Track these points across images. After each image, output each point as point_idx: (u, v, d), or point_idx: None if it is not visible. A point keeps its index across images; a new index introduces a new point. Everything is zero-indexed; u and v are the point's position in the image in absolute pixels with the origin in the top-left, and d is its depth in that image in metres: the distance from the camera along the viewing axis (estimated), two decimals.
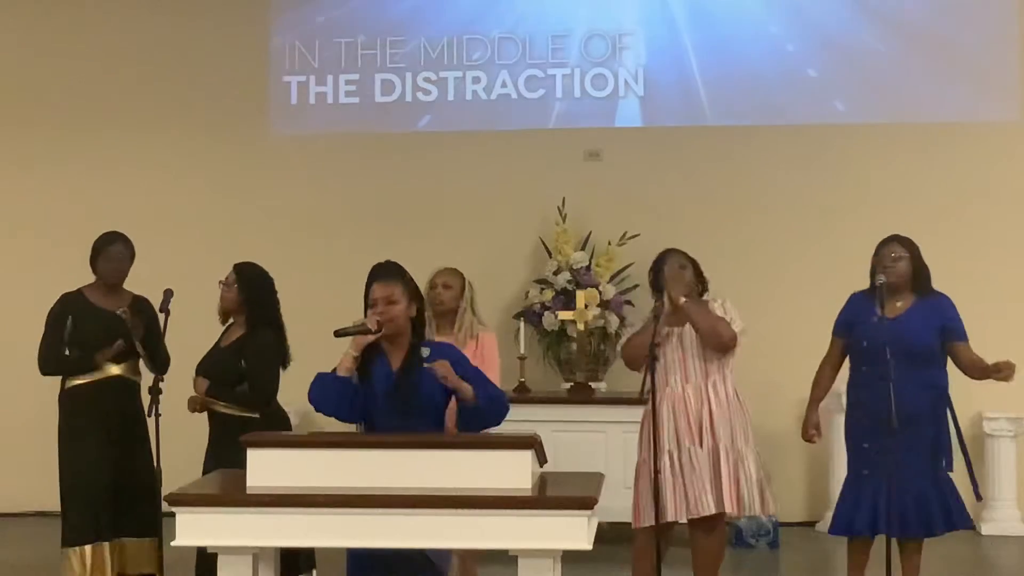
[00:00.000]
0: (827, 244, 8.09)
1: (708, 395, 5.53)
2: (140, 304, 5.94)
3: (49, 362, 5.85)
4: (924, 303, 5.65)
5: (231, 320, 5.64)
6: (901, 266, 5.65)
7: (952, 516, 5.63)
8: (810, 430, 5.84)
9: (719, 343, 5.52)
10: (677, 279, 5.53)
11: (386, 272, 4.53)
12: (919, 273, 5.69)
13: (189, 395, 5.53)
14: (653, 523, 5.36)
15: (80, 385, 5.80)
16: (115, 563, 5.79)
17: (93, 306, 5.85)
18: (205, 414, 5.54)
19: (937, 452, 5.62)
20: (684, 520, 5.49)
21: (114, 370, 5.82)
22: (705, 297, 5.66)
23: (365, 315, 4.51)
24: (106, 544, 5.76)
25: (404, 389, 4.45)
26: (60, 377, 5.87)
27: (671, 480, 5.43)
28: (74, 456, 5.77)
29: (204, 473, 5.24)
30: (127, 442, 5.83)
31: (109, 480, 5.76)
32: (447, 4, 8.72)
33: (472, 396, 4.41)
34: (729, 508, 5.45)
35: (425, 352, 4.51)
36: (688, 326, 5.53)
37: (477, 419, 4.47)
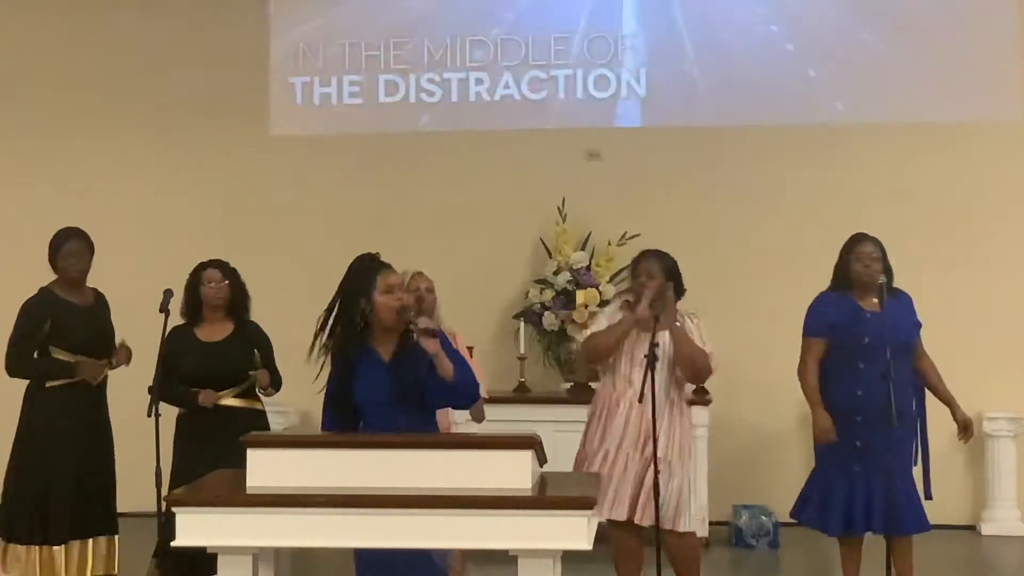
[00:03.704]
0: (827, 244, 8.04)
1: (664, 407, 5.50)
2: (99, 299, 5.97)
3: (15, 366, 5.79)
4: (896, 300, 5.66)
5: (200, 318, 5.70)
6: (877, 267, 5.67)
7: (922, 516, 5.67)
8: (831, 431, 5.68)
9: (694, 372, 5.57)
10: (670, 304, 5.53)
11: (384, 262, 4.56)
12: (890, 273, 5.71)
13: (202, 392, 5.57)
14: (617, 518, 5.41)
15: (61, 385, 5.76)
16: (82, 563, 5.78)
17: (70, 303, 5.83)
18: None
19: (913, 448, 5.67)
20: (622, 519, 5.47)
21: None
22: (678, 304, 5.64)
23: (357, 303, 4.47)
24: (68, 545, 5.73)
25: (401, 377, 4.45)
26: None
27: (618, 479, 5.45)
28: (47, 454, 5.71)
29: (201, 472, 5.26)
30: (91, 441, 5.81)
31: (74, 480, 5.73)
32: (449, 5, 8.72)
33: (450, 372, 4.43)
34: (639, 519, 5.45)
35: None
36: (666, 335, 5.52)
37: (447, 395, 4.51)
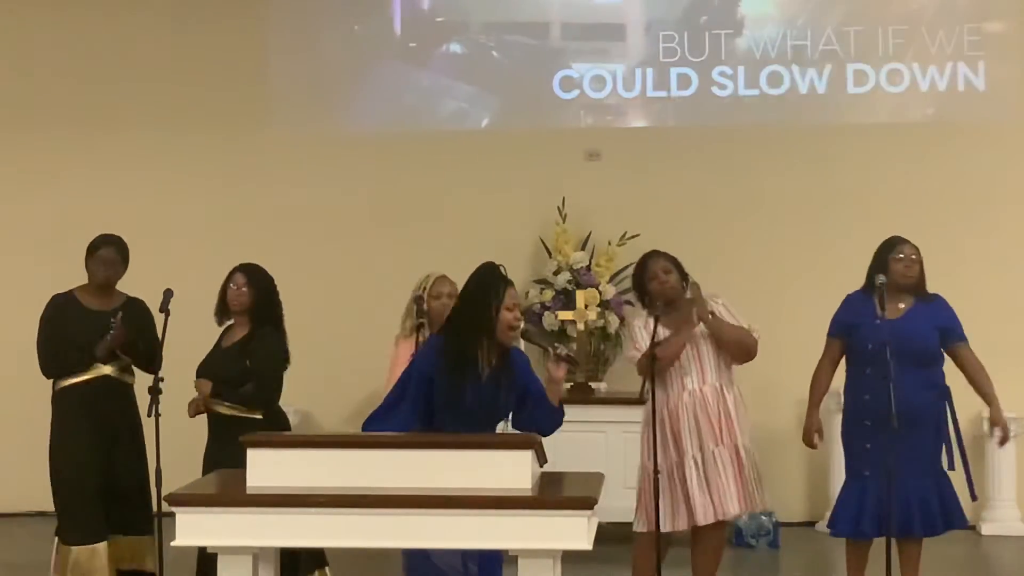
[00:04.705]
0: (826, 243, 8.10)
1: (723, 394, 5.53)
2: (133, 305, 5.97)
3: (51, 366, 5.85)
4: (923, 305, 5.68)
5: (230, 321, 5.68)
6: (917, 269, 5.67)
7: (951, 516, 5.66)
8: (812, 434, 5.81)
9: (744, 353, 5.57)
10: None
11: (510, 279, 4.62)
12: (923, 276, 5.72)
13: (190, 398, 5.56)
14: (662, 528, 5.36)
15: (72, 385, 5.80)
16: (109, 561, 5.82)
17: (84, 308, 5.87)
18: (205, 414, 5.58)
19: (937, 451, 5.65)
20: (710, 521, 5.47)
21: (105, 370, 5.83)
22: (689, 295, 5.64)
23: (487, 310, 4.51)
24: (102, 544, 5.78)
25: (499, 394, 4.57)
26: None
27: (697, 484, 5.43)
28: (66, 455, 5.78)
29: (203, 474, 5.26)
30: (118, 442, 5.86)
31: (100, 479, 5.78)
32: (450, 2, 8.72)
33: (559, 400, 4.64)
34: (748, 507, 5.53)
35: None
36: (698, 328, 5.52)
37: (549, 419, 4.64)
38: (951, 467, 5.67)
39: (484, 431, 4.57)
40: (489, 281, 4.56)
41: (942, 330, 5.69)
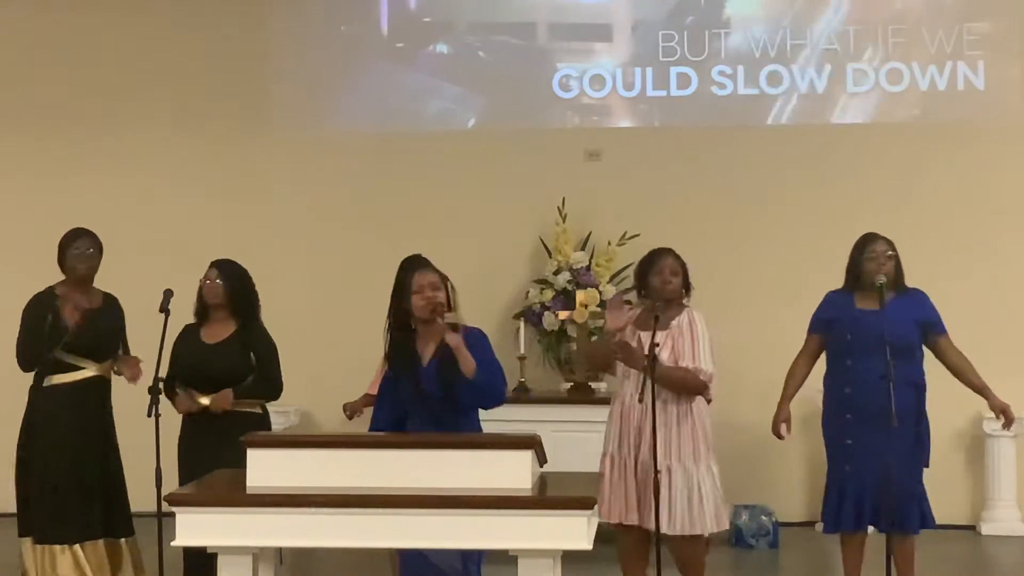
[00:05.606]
0: (826, 244, 8.03)
1: (654, 409, 5.28)
2: (109, 302, 5.97)
3: (28, 358, 5.79)
4: (901, 299, 5.67)
5: (206, 317, 5.69)
6: (890, 265, 5.68)
7: (927, 515, 5.68)
8: (780, 425, 5.83)
9: (691, 393, 5.44)
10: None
11: (422, 262, 4.72)
12: (899, 271, 5.74)
13: (179, 396, 5.56)
14: (615, 521, 5.39)
15: (60, 384, 5.78)
16: (93, 564, 5.80)
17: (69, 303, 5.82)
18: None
19: (916, 449, 5.63)
20: (615, 521, 5.42)
21: (93, 370, 5.83)
22: (685, 302, 5.59)
23: (399, 305, 4.68)
24: (84, 545, 5.77)
25: (438, 379, 4.58)
26: (32, 374, 5.85)
27: (609, 483, 5.43)
28: (52, 454, 5.73)
29: (179, 471, 5.26)
30: (103, 442, 5.85)
31: (87, 480, 5.76)
32: (450, 3, 8.72)
33: (472, 371, 4.53)
34: (640, 521, 5.36)
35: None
36: (646, 335, 5.48)
37: (470, 394, 4.58)
38: (925, 464, 5.68)
39: (449, 419, 4.57)
40: (401, 273, 4.74)
41: (923, 324, 5.69)
